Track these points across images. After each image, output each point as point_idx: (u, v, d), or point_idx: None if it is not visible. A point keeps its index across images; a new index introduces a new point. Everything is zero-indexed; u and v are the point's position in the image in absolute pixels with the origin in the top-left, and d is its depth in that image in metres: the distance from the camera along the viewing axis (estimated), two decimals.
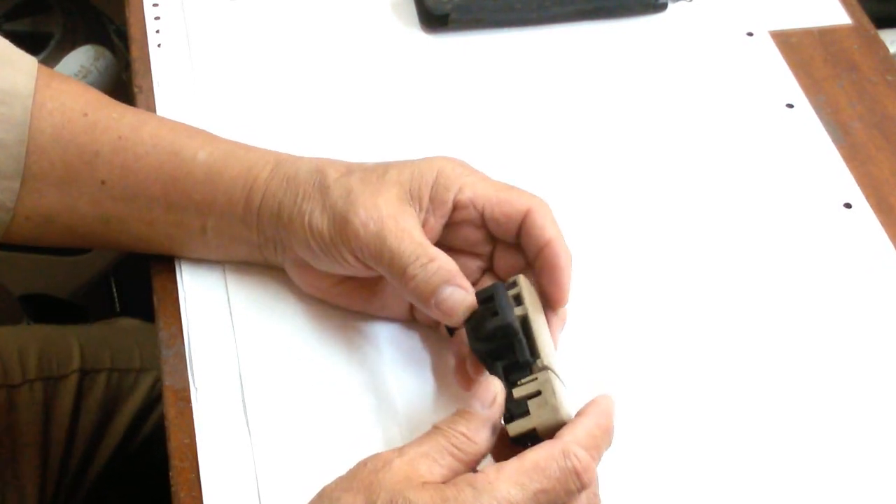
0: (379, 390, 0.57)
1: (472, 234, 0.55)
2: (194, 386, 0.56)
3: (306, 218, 0.54)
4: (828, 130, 0.71)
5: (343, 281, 0.57)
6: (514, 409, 0.48)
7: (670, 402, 0.57)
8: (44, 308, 1.25)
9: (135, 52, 0.73)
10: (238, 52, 0.74)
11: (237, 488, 0.53)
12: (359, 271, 0.54)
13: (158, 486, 0.54)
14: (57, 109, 0.57)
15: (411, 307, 0.58)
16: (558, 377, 0.49)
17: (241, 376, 0.57)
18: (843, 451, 0.56)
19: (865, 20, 0.79)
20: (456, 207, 0.54)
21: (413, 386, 0.57)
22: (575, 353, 0.58)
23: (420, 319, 0.58)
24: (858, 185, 0.68)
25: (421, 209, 0.54)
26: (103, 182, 0.56)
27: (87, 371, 0.81)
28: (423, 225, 0.54)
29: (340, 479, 0.46)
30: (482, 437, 0.46)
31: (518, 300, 0.51)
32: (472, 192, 0.54)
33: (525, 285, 0.52)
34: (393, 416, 0.56)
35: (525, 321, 0.50)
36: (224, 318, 0.59)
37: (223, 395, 0.56)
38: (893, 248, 0.65)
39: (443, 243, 0.55)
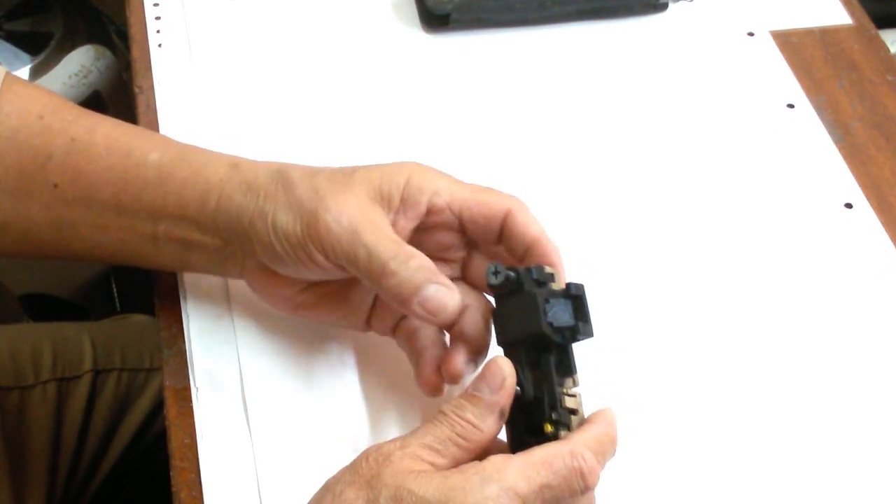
0: (379, 389, 0.57)
1: (445, 239, 0.54)
2: (195, 386, 0.56)
3: (269, 218, 0.52)
4: (828, 130, 0.71)
5: (306, 290, 0.55)
6: (564, 418, 0.47)
7: (670, 402, 0.57)
8: (44, 308, 1.25)
9: (135, 52, 0.73)
10: (238, 52, 0.74)
11: (238, 488, 0.53)
12: (326, 273, 0.52)
13: (167, 487, 0.54)
14: (13, 112, 0.56)
15: (369, 316, 0.56)
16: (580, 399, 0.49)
17: (241, 376, 0.57)
18: (843, 451, 0.56)
19: (866, 20, 0.79)
20: (430, 211, 0.52)
21: (413, 384, 0.57)
22: (575, 351, 0.58)
23: (376, 329, 0.56)
24: (859, 185, 0.68)
25: (390, 210, 0.52)
26: (56, 185, 0.55)
27: (99, 371, 0.81)
28: (393, 226, 0.52)
29: (343, 472, 0.45)
30: (488, 424, 0.46)
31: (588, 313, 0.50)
32: (449, 194, 0.52)
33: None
34: (393, 414, 0.56)
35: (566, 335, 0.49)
36: (225, 318, 0.59)
37: (224, 394, 0.56)
38: (894, 248, 0.65)
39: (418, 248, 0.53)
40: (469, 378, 0.51)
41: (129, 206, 0.55)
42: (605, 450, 0.47)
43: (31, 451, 0.76)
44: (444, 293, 0.50)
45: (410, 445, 0.45)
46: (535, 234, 0.52)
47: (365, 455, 0.45)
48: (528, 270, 0.49)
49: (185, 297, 0.60)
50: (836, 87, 0.74)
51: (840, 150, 0.70)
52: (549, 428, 0.47)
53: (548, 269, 0.50)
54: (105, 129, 0.56)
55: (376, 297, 0.56)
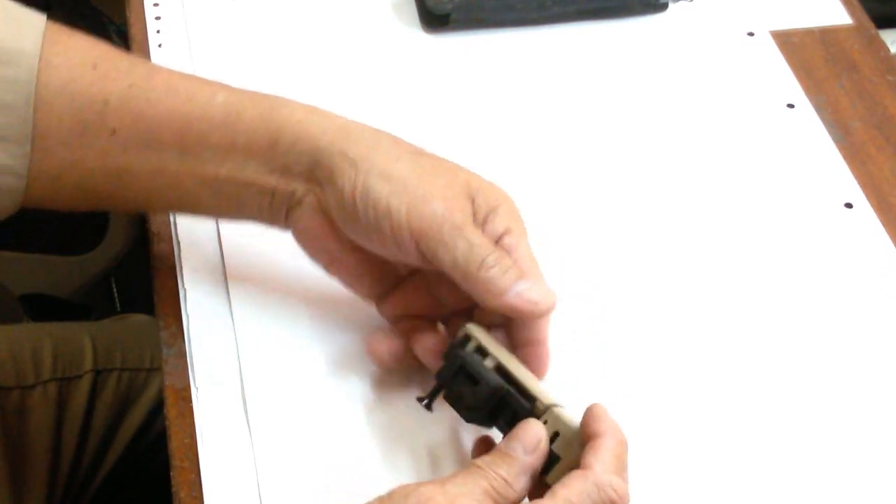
0: (380, 390, 0.57)
1: None
2: (195, 385, 0.56)
3: (360, 179, 0.51)
4: (828, 130, 0.71)
5: (352, 251, 0.55)
6: (540, 468, 0.47)
7: (669, 400, 0.57)
8: (45, 307, 1.25)
9: (135, 52, 0.73)
10: (238, 51, 0.74)
11: (238, 488, 0.53)
12: (393, 252, 0.52)
13: (167, 487, 0.54)
14: (64, 64, 0.54)
15: (385, 293, 0.56)
16: (559, 406, 0.49)
17: (241, 376, 0.57)
18: (843, 451, 0.56)
19: (866, 20, 0.79)
20: (497, 243, 0.52)
21: (413, 383, 0.57)
22: (575, 352, 0.58)
23: (384, 309, 0.57)
24: (859, 184, 0.68)
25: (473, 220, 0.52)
26: (114, 131, 0.54)
27: (99, 371, 0.81)
28: None
29: (380, 502, 0.45)
30: (520, 485, 0.46)
31: (482, 351, 0.50)
32: (517, 242, 0.52)
33: (478, 333, 0.51)
34: (394, 415, 0.56)
35: (501, 369, 0.50)
36: (225, 318, 0.59)
37: (224, 394, 0.56)
38: (894, 248, 0.65)
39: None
40: None
41: (192, 147, 0.54)
42: (624, 460, 0.46)
43: (32, 452, 0.76)
44: (536, 289, 0.50)
45: (450, 491, 0.45)
46: (539, 338, 0.53)
47: (404, 493, 0.45)
48: (445, 357, 0.51)
49: (185, 297, 0.60)
50: (836, 87, 0.74)
51: (840, 149, 0.70)
52: (551, 481, 0.47)
53: (459, 335, 0.51)
54: (164, 76, 0.55)
55: (401, 282, 0.56)
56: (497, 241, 0.52)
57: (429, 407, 0.52)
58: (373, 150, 0.52)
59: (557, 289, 0.52)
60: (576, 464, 0.46)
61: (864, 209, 0.67)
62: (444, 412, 0.55)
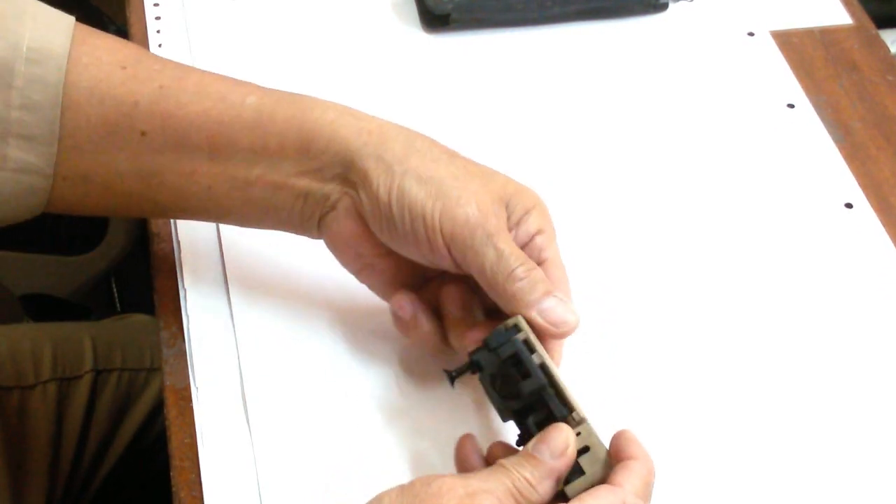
0: (380, 390, 0.57)
1: None
2: (195, 385, 0.56)
3: (396, 182, 0.51)
4: (829, 130, 0.71)
5: (384, 256, 0.54)
6: (566, 474, 0.47)
7: (669, 400, 0.57)
8: (45, 308, 1.25)
9: None
10: (239, 51, 0.74)
11: (238, 488, 0.53)
12: (426, 255, 0.52)
13: (167, 487, 0.54)
14: (93, 64, 0.54)
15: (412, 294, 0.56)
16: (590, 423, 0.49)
17: (241, 376, 0.57)
18: (844, 450, 0.56)
19: (866, 20, 0.79)
20: (530, 242, 0.53)
21: (414, 385, 0.57)
22: (586, 354, 0.58)
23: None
24: (859, 184, 0.68)
25: (507, 225, 0.52)
26: (143, 133, 0.54)
27: (99, 371, 0.81)
28: None
29: (400, 492, 0.45)
30: (545, 488, 0.46)
31: (528, 346, 0.50)
32: (548, 242, 0.53)
33: (527, 328, 0.50)
34: (394, 415, 0.56)
35: (544, 368, 0.49)
36: (225, 318, 0.59)
37: (224, 394, 0.56)
38: (894, 248, 0.65)
39: None
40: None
41: (223, 149, 0.54)
42: (651, 489, 0.47)
43: (32, 452, 0.76)
44: (563, 306, 0.50)
45: (472, 486, 0.45)
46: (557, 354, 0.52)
47: (426, 481, 0.45)
48: (485, 343, 0.50)
49: (185, 297, 0.60)
50: (836, 87, 0.74)
51: (840, 150, 0.70)
52: (570, 493, 0.46)
53: (509, 323, 0.50)
54: (195, 77, 0.55)
55: (424, 283, 0.56)
56: (530, 240, 0.52)
57: (452, 382, 0.51)
58: (408, 152, 0.52)
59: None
60: (599, 481, 0.46)
61: (865, 209, 0.67)
62: (447, 414, 0.56)
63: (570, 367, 0.54)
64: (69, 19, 0.55)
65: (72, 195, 0.55)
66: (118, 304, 1.30)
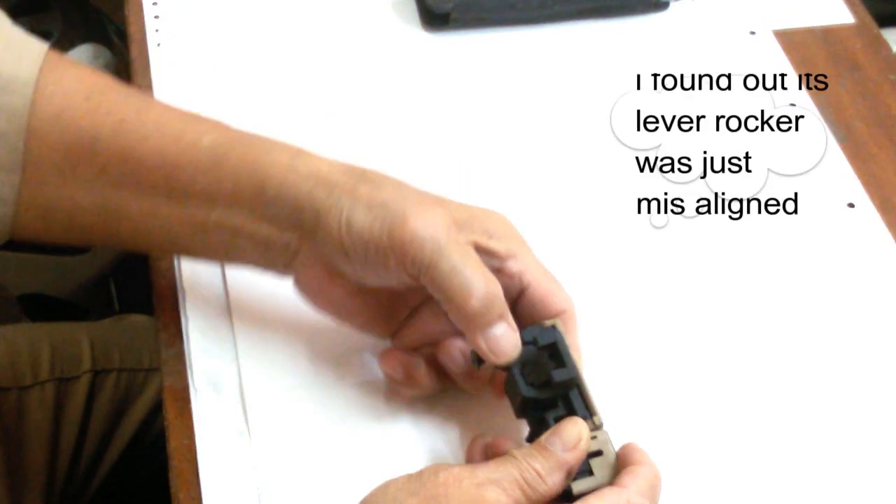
0: (379, 390, 0.57)
1: None
2: (193, 386, 0.56)
3: (344, 214, 0.50)
4: (831, 129, 0.71)
5: (355, 294, 0.54)
6: (576, 469, 0.47)
7: (672, 402, 0.57)
8: (43, 308, 1.25)
9: (134, 51, 0.73)
10: (238, 51, 0.73)
11: (237, 489, 0.53)
12: (390, 280, 0.51)
13: (165, 487, 0.54)
14: (58, 94, 0.53)
15: (397, 328, 0.56)
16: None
17: (240, 376, 0.57)
18: (844, 451, 0.56)
19: (868, 19, 0.79)
20: (501, 272, 0.51)
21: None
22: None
23: (400, 342, 0.56)
24: (861, 184, 0.68)
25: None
26: (103, 168, 0.53)
27: (98, 372, 0.80)
28: None
29: (407, 481, 0.45)
30: (554, 480, 0.46)
31: (567, 354, 0.50)
32: (524, 265, 0.52)
33: (562, 329, 0.50)
34: (394, 413, 0.56)
35: (576, 371, 0.49)
36: (223, 319, 0.59)
37: (223, 395, 0.56)
38: None
39: None
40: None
41: (180, 190, 0.53)
42: (657, 494, 0.47)
43: (30, 452, 0.76)
44: (509, 337, 0.49)
45: (479, 476, 0.45)
46: (571, 343, 0.51)
47: (434, 470, 0.45)
48: (521, 335, 0.50)
49: (184, 298, 0.60)
50: (838, 87, 0.74)
51: (842, 149, 0.70)
52: (575, 490, 0.47)
53: (547, 323, 0.50)
54: (156, 112, 0.54)
55: (413, 312, 0.55)
56: (500, 270, 0.51)
57: (478, 364, 0.51)
58: (355, 186, 0.51)
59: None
60: (606, 485, 0.47)
61: (867, 209, 0.67)
62: (449, 415, 0.55)
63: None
64: (41, 46, 0.55)
65: (35, 225, 0.55)
66: (116, 305, 1.30)
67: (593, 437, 0.48)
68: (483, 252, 0.51)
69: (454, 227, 0.50)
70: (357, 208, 0.50)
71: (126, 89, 0.56)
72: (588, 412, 0.48)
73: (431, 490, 0.44)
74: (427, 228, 0.49)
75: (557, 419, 0.48)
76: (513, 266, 0.51)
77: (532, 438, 0.49)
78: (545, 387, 0.48)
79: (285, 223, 0.53)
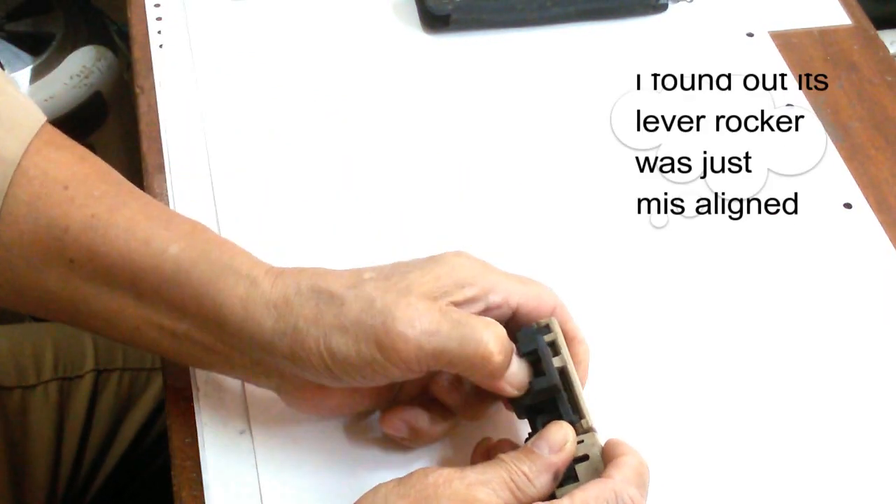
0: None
1: None
2: (196, 385, 0.56)
3: (321, 344, 0.48)
4: (828, 130, 0.71)
5: (353, 393, 0.53)
6: (563, 471, 0.47)
7: (670, 402, 0.58)
8: None
9: (136, 52, 0.73)
10: (240, 52, 0.74)
11: (239, 487, 0.53)
12: (400, 375, 0.49)
13: (168, 486, 0.54)
14: (37, 178, 0.52)
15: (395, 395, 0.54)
16: (598, 433, 0.49)
17: None
18: (843, 451, 0.56)
19: (865, 21, 0.79)
20: (488, 310, 0.50)
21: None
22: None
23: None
24: (858, 185, 0.68)
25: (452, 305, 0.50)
26: (72, 260, 0.52)
27: (101, 371, 0.81)
28: None
29: (398, 484, 0.46)
30: (542, 482, 0.46)
31: (554, 348, 0.50)
32: (505, 291, 0.50)
33: (558, 330, 0.50)
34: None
35: (564, 373, 0.49)
36: None
37: (225, 393, 0.56)
38: (893, 248, 0.65)
39: None
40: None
41: (147, 296, 0.51)
42: (645, 480, 0.47)
43: (33, 451, 0.76)
44: (522, 368, 0.50)
45: (469, 477, 0.45)
46: (571, 333, 0.52)
47: (424, 473, 0.45)
48: (524, 331, 0.50)
49: None
50: (835, 88, 0.74)
51: (839, 150, 0.70)
52: (559, 495, 0.46)
53: (541, 323, 0.50)
54: (129, 212, 0.52)
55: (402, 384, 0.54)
56: (486, 309, 0.50)
57: None
58: (318, 308, 0.49)
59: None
60: None
61: (864, 209, 0.67)
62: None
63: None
64: (37, 121, 0.54)
65: (8, 304, 0.54)
66: None
67: (580, 442, 0.48)
68: (464, 305, 0.50)
69: (430, 302, 0.49)
70: (333, 335, 0.48)
71: (108, 180, 0.54)
72: (576, 415, 0.49)
73: (422, 491, 0.44)
74: (414, 326, 0.47)
75: (545, 424, 0.48)
76: (495, 299, 0.50)
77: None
78: (528, 394, 0.49)
79: (257, 356, 0.51)
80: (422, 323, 0.47)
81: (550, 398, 0.49)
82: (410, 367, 0.48)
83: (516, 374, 0.49)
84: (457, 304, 0.49)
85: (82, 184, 0.53)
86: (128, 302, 0.52)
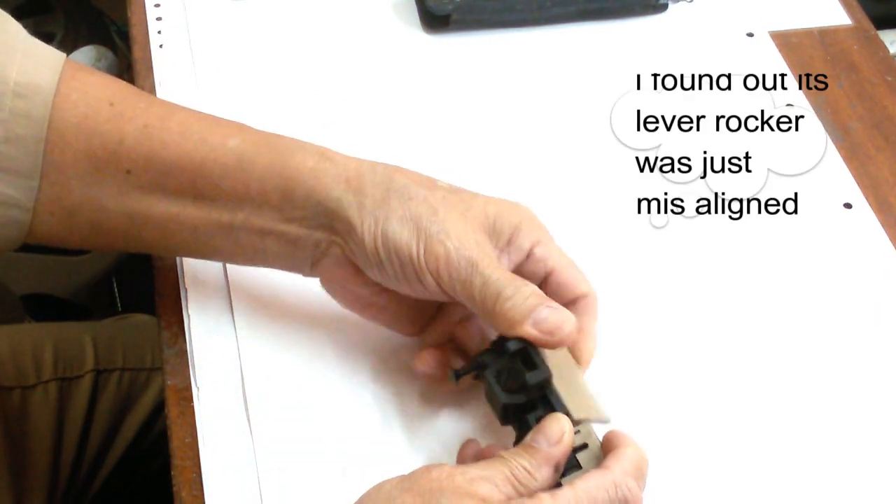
0: (379, 389, 0.57)
1: None
2: (196, 385, 0.56)
3: (379, 227, 0.51)
4: (828, 130, 0.71)
5: (382, 292, 0.55)
6: (566, 462, 0.48)
7: (670, 400, 0.58)
8: (46, 307, 1.25)
9: (137, 52, 0.73)
10: (240, 52, 0.74)
11: (239, 487, 0.53)
12: (423, 291, 0.52)
13: (168, 486, 0.54)
14: (81, 100, 0.54)
15: (424, 324, 0.56)
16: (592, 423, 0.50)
17: (242, 375, 0.57)
18: (843, 451, 0.56)
19: (865, 21, 0.79)
20: (528, 256, 0.53)
21: (413, 385, 0.57)
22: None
23: (427, 338, 0.57)
24: (858, 185, 0.68)
25: (497, 247, 0.53)
26: (128, 171, 0.54)
27: (100, 371, 0.81)
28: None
29: (401, 480, 0.46)
30: (543, 475, 0.47)
31: (539, 355, 0.50)
32: (548, 251, 0.53)
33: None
34: (394, 413, 0.56)
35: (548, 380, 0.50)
36: (226, 318, 0.59)
37: (225, 393, 0.56)
38: (893, 248, 0.65)
39: None
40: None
41: (207, 192, 0.54)
42: (643, 472, 0.47)
43: (33, 451, 0.76)
44: (558, 314, 0.50)
45: (470, 473, 0.46)
46: (587, 329, 0.53)
47: (426, 469, 0.46)
48: (492, 345, 0.51)
49: (186, 297, 0.60)
50: (835, 88, 0.74)
51: (839, 150, 0.70)
52: (565, 484, 0.47)
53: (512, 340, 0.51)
54: (180, 117, 0.55)
55: (440, 309, 0.56)
56: (528, 256, 0.53)
57: (457, 379, 0.51)
58: (387, 195, 0.52)
59: None
60: None
61: (864, 209, 0.67)
62: (449, 413, 0.56)
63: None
64: (59, 55, 0.56)
65: (58, 230, 0.56)
66: (119, 304, 1.30)
67: (577, 432, 0.48)
68: (512, 245, 0.53)
69: (482, 235, 0.52)
70: (391, 222, 0.51)
71: (148, 96, 0.57)
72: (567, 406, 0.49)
73: (425, 485, 0.45)
74: (460, 250, 0.50)
75: (539, 420, 0.49)
76: (538, 252, 0.53)
77: (518, 443, 0.50)
78: (521, 391, 0.49)
79: (315, 224, 0.53)
80: (469, 252, 0.50)
81: (539, 396, 0.49)
82: (441, 284, 0.51)
83: (546, 318, 0.50)
84: (509, 243, 0.53)
85: (126, 99, 0.55)
86: (186, 203, 0.54)
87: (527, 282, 0.51)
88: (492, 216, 0.53)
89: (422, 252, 0.51)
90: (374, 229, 0.51)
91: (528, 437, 0.48)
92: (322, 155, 0.54)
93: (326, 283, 0.56)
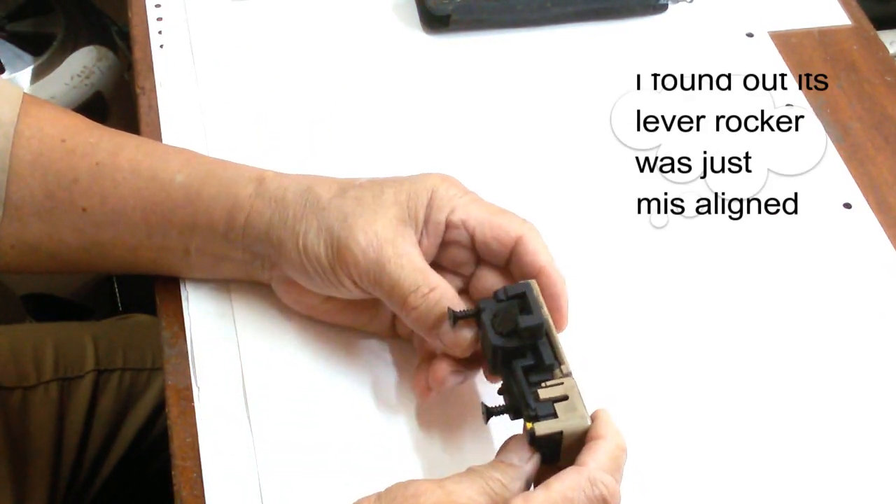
0: (379, 389, 0.57)
1: (459, 255, 0.55)
2: (196, 385, 0.57)
3: (300, 241, 0.53)
4: (827, 130, 0.71)
5: (331, 299, 0.57)
6: (540, 410, 0.48)
7: (668, 402, 0.58)
8: (46, 307, 1.25)
9: (137, 52, 0.73)
10: (240, 52, 0.74)
11: (239, 487, 0.53)
12: (354, 294, 0.54)
13: (169, 486, 0.54)
14: (35, 136, 0.56)
15: (392, 324, 0.58)
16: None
17: (243, 375, 0.57)
18: (843, 451, 0.56)
19: (865, 21, 0.79)
20: (447, 227, 0.54)
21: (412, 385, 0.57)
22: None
23: (402, 335, 0.58)
24: (858, 185, 0.68)
25: (417, 230, 0.53)
26: (84, 209, 0.56)
27: (101, 371, 0.81)
28: (419, 245, 0.53)
29: (378, 498, 0.46)
30: (516, 487, 0.47)
31: (536, 303, 0.51)
32: (465, 213, 0.54)
33: (538, 290, 0.51)
34: (393, 413, 0.56)
35: (547, 324, 0.50)
36: (227, 318, 0.59)
37: (225, 393, 0.56)
38: (893, 248, 0.65)
39: (434, 262, 0.55)
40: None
41: (159, 226, 0.56)
42: (620, 464, 0.47)
43: (34, 451, 0.76)
44: (462, 330, 0.51)
45: (448, 487, 0.46)
46: (542, 263, 0.53)
47: (404, 486, 0.46)
48: (495, 294, 0.51)
49: (186, 297, 0.60)
50: (835, 88, 0.74)
51: (839, 150, 0.70)
52: (528, 425, 0.48)
53: (522, 283, 0.51)
54: (129, 153, 0.57)
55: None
56: (447, 227, 0.53)
57: (454, 322, 0.52)
58: (304, 208, 0.54)
59: None
60: (570, 435, 0.48)
61: (863, 209, 0.67)
62: (449, 412, 0.56)
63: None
64: (18, 90, 0.57)
65: (21, 262, 0.57)
66: (120, 304, 1.30)
67: (559, 384, 0.49)
68: (430, 223, 0.53)
69: (397, 227, 0.53)
70: (309, 235, 0.53)
71: (98, 129, 0.59)
72: (556, 360, 0.49)
73: (402, 502, 0.45)
74: (367, 252, 0.52)
75: (525, 368, 0.49)
76: (454, 219, 0.53)
77: (503, 391, 0.51)
78: (513, 335, 0.49)
79: (257, 248, 0.56)
80: (375, 252, 0.52)
81: (530, 344, 0.50)
82: (356, 283, 0.53)
83: (444, 333, 0.51)
84: (425, 222, 0.53)
85: (77, 135, 0.57)
86: (141, 236, 0.56)
87: (436, 284, 0.52)
88: (403, 201, 0.53)
89: (334, 260, 0.53)
90: (297, 243, 0.53)
91: (498, 456, 0.48)
92: (259, 180, 0.56)
93: (282, 296, 0.58)
